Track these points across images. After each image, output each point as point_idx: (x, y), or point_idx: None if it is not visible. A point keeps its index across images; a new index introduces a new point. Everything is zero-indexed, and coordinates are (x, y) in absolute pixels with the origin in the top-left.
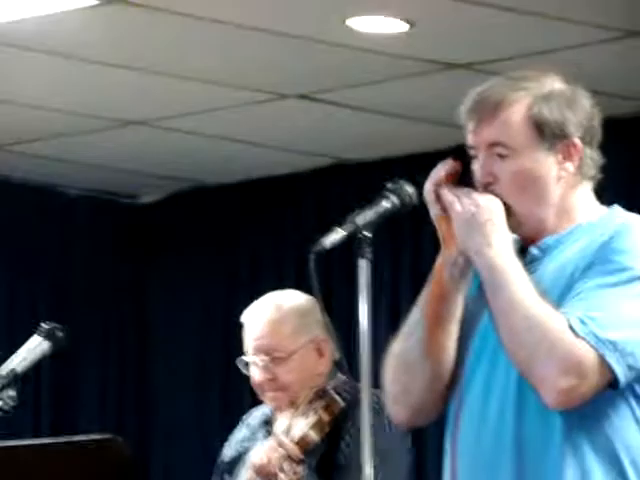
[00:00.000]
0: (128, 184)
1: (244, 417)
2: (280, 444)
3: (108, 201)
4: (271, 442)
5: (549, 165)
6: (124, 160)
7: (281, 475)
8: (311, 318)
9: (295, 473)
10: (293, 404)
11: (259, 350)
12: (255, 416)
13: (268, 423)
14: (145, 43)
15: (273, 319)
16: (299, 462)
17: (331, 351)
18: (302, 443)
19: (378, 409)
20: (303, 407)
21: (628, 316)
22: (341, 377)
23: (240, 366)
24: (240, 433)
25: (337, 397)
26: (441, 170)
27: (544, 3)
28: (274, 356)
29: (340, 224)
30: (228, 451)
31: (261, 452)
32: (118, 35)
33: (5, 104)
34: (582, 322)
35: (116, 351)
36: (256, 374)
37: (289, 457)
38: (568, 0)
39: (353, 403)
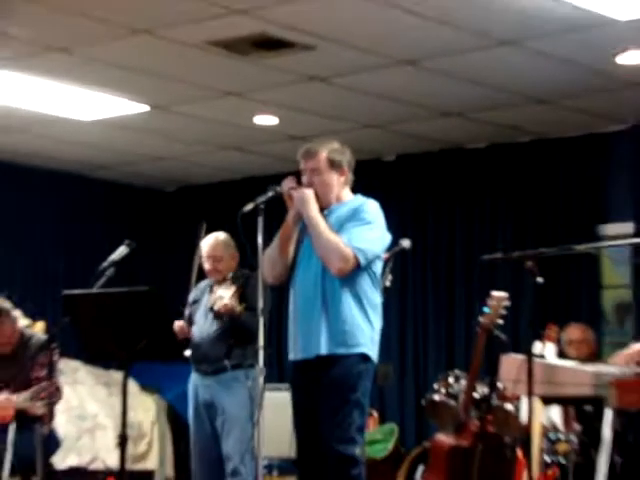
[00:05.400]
0: None
1: (197, 285)
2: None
3: None
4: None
5: (334, 178)
6: None
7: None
8: (231, 244)
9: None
10: (223, 279)
11: (209, 256)
12: (201, 285)
13: (211, 288)
14: None
15: (218, 242)
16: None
17: (237, 257)
18: (235, 296)
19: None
20: (228, 282)
21: (367, 238)
22: (243, 269)
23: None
24: (196, 290)
25: (242, 275)
26: (291, 180)
27: None
28: (216, 259)
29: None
30: (190, 297)
31: (220, 299)
32: None
33: None
34: (349, 240)
35: None
36: (208, 266)
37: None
38: None
39: (250, 276)
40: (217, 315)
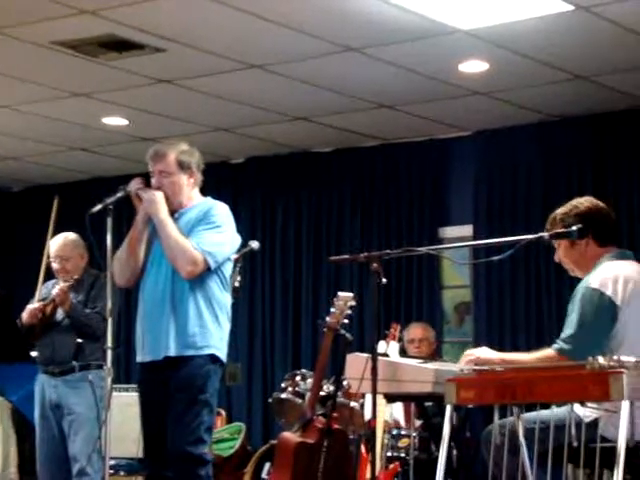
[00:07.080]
0: None
1: (45, 284)
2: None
3: None
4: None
5: (184, 180)
6: None
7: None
8: (81, 244)
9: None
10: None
11: (57, 256)
12: (49, 284)
13: (57, 284)
14: None
15: (66, 242)
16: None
17: (87, 257)
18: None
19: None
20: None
21: (217, 241)
22: (92, 270)
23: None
24: (44, 289)
25: (91, 275)
26: (138, 181)
27: None
28: (64, 259)
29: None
30: (39, 295)
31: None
32: None
33: None
34: (198, 243)
35: None
36: (56, 265)
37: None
38: None
39: (97, 276)
40: (67, 314)
